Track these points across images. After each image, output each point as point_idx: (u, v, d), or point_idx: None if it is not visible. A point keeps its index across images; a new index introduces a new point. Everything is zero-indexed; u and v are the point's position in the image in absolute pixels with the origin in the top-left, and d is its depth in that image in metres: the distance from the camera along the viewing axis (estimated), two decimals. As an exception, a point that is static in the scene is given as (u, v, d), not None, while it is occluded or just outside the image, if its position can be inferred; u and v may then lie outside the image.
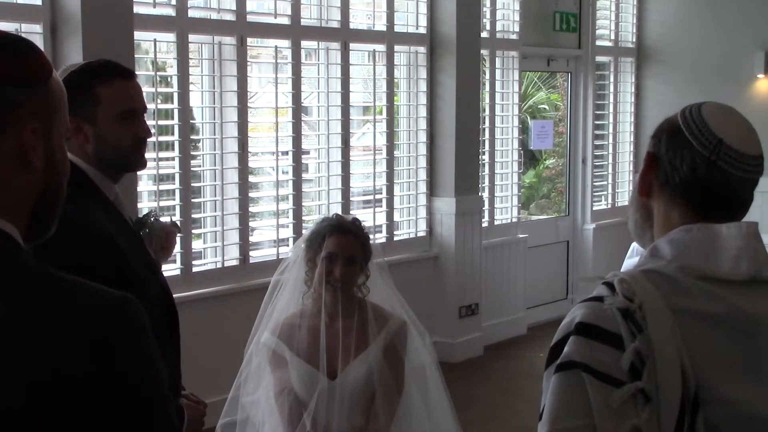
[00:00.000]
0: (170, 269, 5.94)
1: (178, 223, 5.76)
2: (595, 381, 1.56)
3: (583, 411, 1.56)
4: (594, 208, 9.37)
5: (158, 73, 5.94)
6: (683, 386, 1.56)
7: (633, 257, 4.73)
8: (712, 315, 1.62)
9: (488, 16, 8.14)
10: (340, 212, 5.44)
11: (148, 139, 2.68)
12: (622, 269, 4.54)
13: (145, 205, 5.72)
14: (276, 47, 6.53)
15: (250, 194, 6.41)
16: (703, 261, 1.66)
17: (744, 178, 1.72)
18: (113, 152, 2.59)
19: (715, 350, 1.61)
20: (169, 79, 6.15)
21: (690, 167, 1.71)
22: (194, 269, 6.09)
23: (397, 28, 7.44)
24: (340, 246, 3.51)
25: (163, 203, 5.90)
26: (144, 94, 2.75)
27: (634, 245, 8.12)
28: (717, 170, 1.70)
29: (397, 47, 7.42)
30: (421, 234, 7.70)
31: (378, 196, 7.38)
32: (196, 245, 6.24)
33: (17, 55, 1.35)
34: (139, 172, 5.47)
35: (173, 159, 6.00)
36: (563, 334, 1.64)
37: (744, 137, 1.73)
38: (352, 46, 7.04)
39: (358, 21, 7.30)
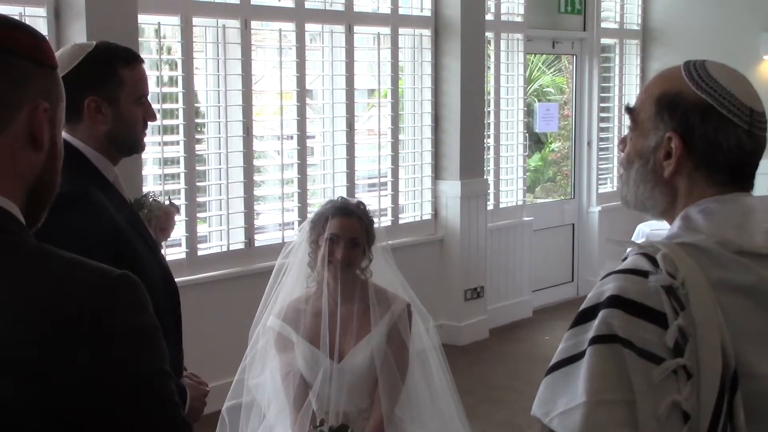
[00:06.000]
0: (175, 253, 5.96)
1: (181, 205, 5.83)
2: (636, 357, 1.54)
3: (622, 386, 1.54)
4: (599, 191, 9.36)
5: (162, 56, 5.93)
6: (723, 362, 1.55)
7: (639, 239, 4.72)
8: (744, 287, 1.61)
9: (493, -2, 8.11)
10: (345, 196, 5.44)
11: (154, 123, 2.72)
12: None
13: (150, 189, 5.71)
14: (280, 30, 6.51)
15: (255, 178, 6.42)
16: (738, 234, 1.65)
17: (765, 136, 1.74)
18: (127, 134, 2.64)
19: (749, 324, 1.60)
20: (173, 63, 6.14)
21: (737, 145, 1.68)
22: (199, 253, 6.10)
23: (401, 11, 7.42)
24: (343, 228, 3.52)
25: (168, 187, 5.91)
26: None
27: (640, 227, 8.13)
28: (755, 139, 1.70)
29: (401, 30, 7.40)
30: (426, 217, 7.70)
31: (383, 180, 7.38)
32: (201, 229, 6.25)
33: (37, 37, 1.39)
34: (143, 156, 5.49)
35: (178, 143, 6.00)
36: (595, 302, 1.61)
37: (755, 95, 1.73)
38: (356, 29, 7.02)
39: (363, 4, 7.28)
